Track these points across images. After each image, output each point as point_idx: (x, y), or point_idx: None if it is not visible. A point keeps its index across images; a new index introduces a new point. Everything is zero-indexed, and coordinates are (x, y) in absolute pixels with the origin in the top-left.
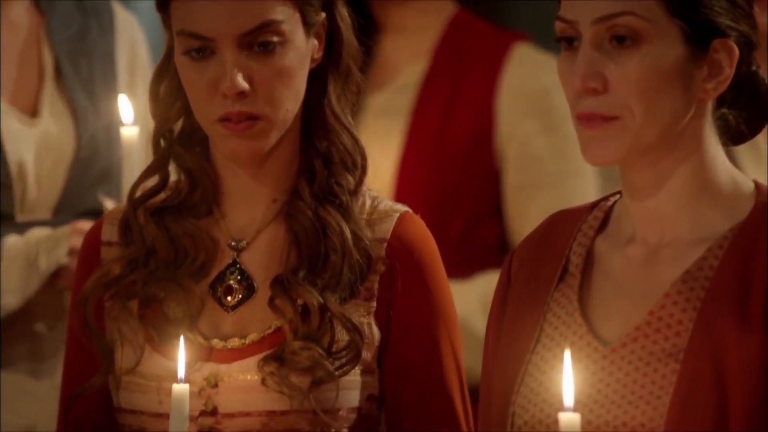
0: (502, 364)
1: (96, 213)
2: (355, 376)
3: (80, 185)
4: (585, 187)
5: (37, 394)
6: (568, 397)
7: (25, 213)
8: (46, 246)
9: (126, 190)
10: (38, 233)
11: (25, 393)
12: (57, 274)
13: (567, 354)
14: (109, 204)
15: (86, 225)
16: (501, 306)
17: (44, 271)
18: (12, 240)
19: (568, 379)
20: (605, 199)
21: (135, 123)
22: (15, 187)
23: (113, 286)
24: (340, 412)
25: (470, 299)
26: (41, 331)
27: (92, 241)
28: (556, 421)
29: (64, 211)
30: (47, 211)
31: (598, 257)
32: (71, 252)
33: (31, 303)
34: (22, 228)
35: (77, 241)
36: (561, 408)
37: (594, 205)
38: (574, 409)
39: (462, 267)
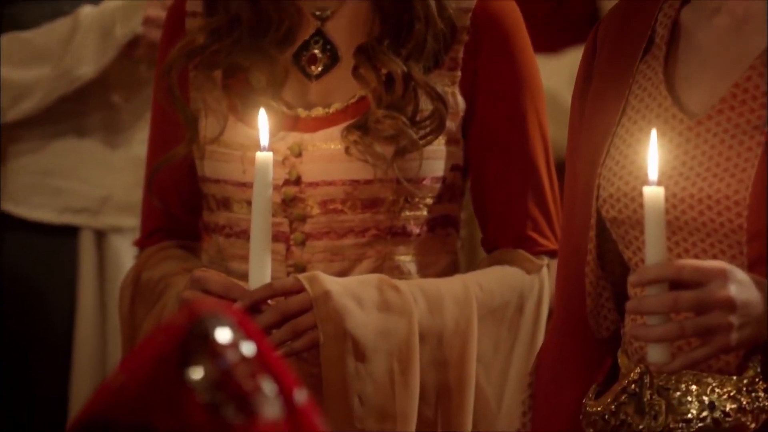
0: (587, 137)
1: None
2: (439, 146)
3: None
4: None
5: (113, 165)
6: (653, 170)
7: None
8: (122, 15)
9: None
10: (114, 3)
11: (100, 163)
12: (133, 43)
13: (653, 131)
14: None
15: None
16: (586, 78)
17: (120, 40)
18: (87, 10)
19: (652, 152)
20: None
21: None
22: None
23: (197, 55)
24: (424, 182)
25: (559, 73)
26: (117, 102)
27: (177, 11)
28: (640, 194)
29: None
30: None
31: (684, 28)
32: (147, 21)
33: (107, 73)
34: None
35: (153, 11)
36: (645, 181)
37: None
38: (659, 182)
39: (551, 41)
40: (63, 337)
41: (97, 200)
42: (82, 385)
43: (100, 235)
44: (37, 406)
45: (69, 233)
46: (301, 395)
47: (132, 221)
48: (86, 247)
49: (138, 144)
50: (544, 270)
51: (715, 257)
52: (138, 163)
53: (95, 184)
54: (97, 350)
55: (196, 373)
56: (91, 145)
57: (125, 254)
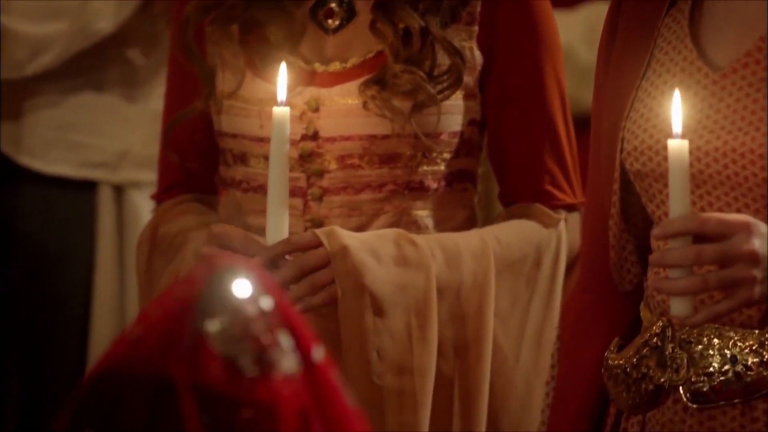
0: (612, 90)
1: None
2: (456, 101)
3: None
4: None
5: (132, 119)
6: (677, 123)
7: None
8: None
9: None
10: None
11: (119, 117)
12: None
13: (677, 84)
14: None
15: None
16: (611, 32)
17: None
18: None
19: (677, 105)
20: None
21: None
22: None
23: (214, 10)
24: (442, 137)
25: (573, 27)
26: (135, 57)
27: None
28: (664, 147)
29: None
30: None
31: None
32: None
33: (126, 28)
34: None
35: None
36: (670, 134)
37: None
38: (683, 136)
39: None
40: (81, 292)
41: (116, 155)
42: (101, 340)
43: (119, 190)
44: (56, 361)
45: (87, 188)
46: (318, 351)
47: (150, 176)
48: (104, 202)
49: (156, 99)
50: (562, 224)
51: (738, 211)
52: (156, 117)
53: (113, 138)
54: (115, 305)
55: (214, 326)
56: (110, 99)
57: (143, 209)
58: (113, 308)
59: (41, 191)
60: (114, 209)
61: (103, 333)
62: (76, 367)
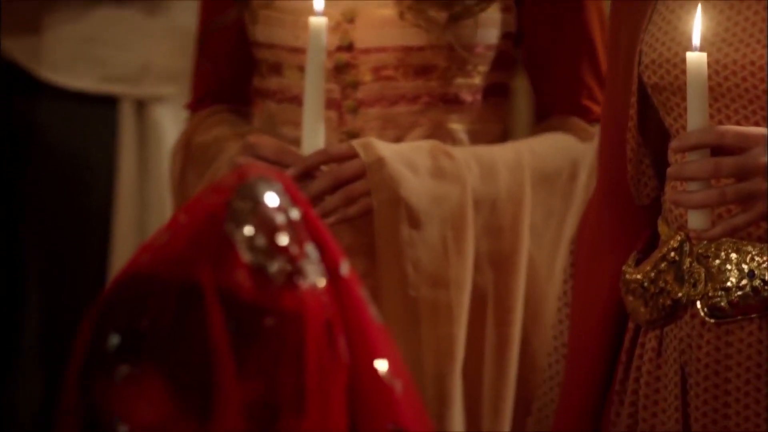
0: (630, 3)
1: None
2: (493, 13)
3: None
4: None
5: (154, 33)
6: (697, 36)
7: None
8: None
9: None
10: None
11: (140, 31)
12: None
13: (699, 2)
14: None
15: None
16: None
17: None
18: None
19: (696, 18)
20: None
21: None
22: None
23: None
24: (477, 49)
25: None
26: None
27: None
28: (683, 60)
29: None
30: None
31: None
32: None
33: None
34: None
35: None
36: (688, 47)
37: None
38: (701, 48)
39: None
40: (103, 207)
41: (137, 68)
42: (122, 256)
43: (140, 105)
44: (77, 277)
45: (109, 103)
46: (345, 265)
47: (172, 90)
48: (126, 117)
49: (178, 11)
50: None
51: (756, 124)
52: (178, 31)
53: (135, 52)
54: (136, 220)
55: (243, 233)
56: (131, 13)
57: (166, 123)
58: (134, 224)
59: (62, 107)
60: (135, 124)
61: (123, 248)
62: (96, 280)
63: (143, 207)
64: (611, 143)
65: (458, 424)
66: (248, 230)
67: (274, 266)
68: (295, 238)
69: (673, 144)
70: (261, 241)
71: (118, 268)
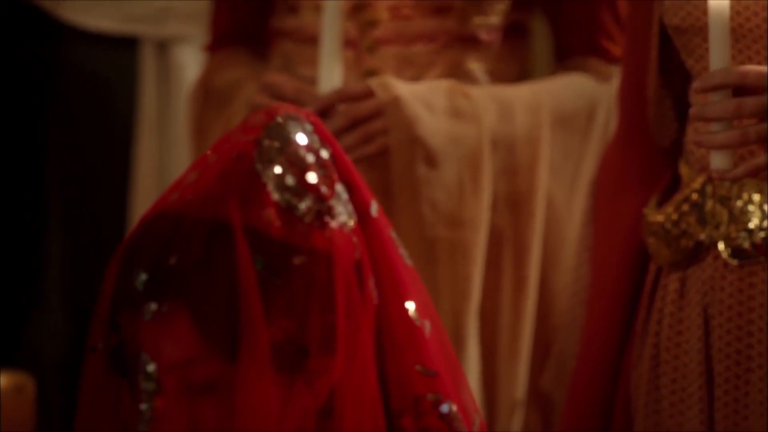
0: None
1: None
2: None
3: None
4: None
5: None
6: None
7: None
8: None
9: None
10: None
11: None
12: None
13: None
14: None
15: None
16: None
17: None
18: None
19: None
20: None
21: None
22: None
23: None
24: None
25: None
26: None
27: None
28: (704, 1)
29: None
30: None
31: None
32: None
33: None
34: None
35: None
36: None
37: None
38: None
39: None
40: (124, 146)
41: (159, 9)
42: (143, 198)
43: (161, 46)
44: (98, 215)
45: (130, 44)
46: (375, 206)
47: (193, 30)
48: (147, 57)
49: None
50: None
51: None
52: None
53: None
54: (157, 162)
55: (272, 172)
56: None
57: (186, 64)
58: (155, 166)
59: (84, 48)
60: (157, 65)
61: (144, 187)
62: (117, 219)
63: (164, 147)
64: (632, 85)
65: (474, 365)
66: (278, 169)
67: (304, 205)
68: (325, 178)
69: (696, 84)
70: (290, 180)
71: (139, 207)
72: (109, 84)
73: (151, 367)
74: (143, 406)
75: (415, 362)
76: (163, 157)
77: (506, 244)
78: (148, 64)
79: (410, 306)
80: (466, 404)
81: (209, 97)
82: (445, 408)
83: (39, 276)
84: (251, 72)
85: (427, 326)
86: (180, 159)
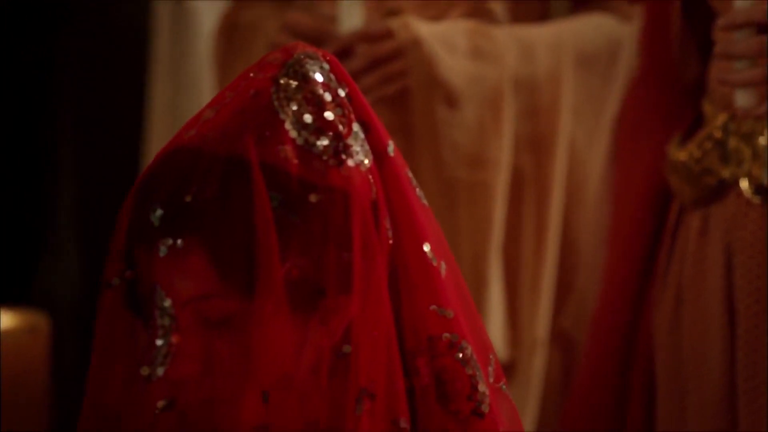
0: None
1: None
2: None
3: None
4: None
5: None
6: None
7: None
8: None
9: None
10: None
11: None
12: None
13: None
14: None
15: None
16: None
17: None
18: None
19: None
20: None
21: None
22: None
23: None
24: None
25: None
26: None
27: None
28: None
29: None
30: None
31: None
32: None
33: None
34: None
35: None
36: None
37: None
38: None
39: None
40: (138, 91)
41: None
42: (156, 143)
43: None
44: (111, 161)
45: None
46: (392, 146)
47: None
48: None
49: None
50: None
51: None
52: None
53: None
54: (171, 105)
55: (290, 109)
56: None
57: (200, 8)
58: (168, 104)
59: None
60: (171, 8)
61: (158, 133)
62: (131, 159)
63: (178, 90)
64: (654, 23)
65: (496, 304)
66: (295, 106)
67: (321, 143)
68: (342, 116)
69: (721, 22)
70: (308, 118)
71: (153, 152)
72: (124, 27)
73: (167, 303)
74: (159, 342)
75: (431, 302)
76: (177, 100)
77: (528, 185)
78: (162, 7)
79: (426, 246)
80: (481, 345)
81: (233, 34)
82: (459, 354)
83: (53, 218)
84: (274, 10)
85: (443, 266)
86: (194, 99)
